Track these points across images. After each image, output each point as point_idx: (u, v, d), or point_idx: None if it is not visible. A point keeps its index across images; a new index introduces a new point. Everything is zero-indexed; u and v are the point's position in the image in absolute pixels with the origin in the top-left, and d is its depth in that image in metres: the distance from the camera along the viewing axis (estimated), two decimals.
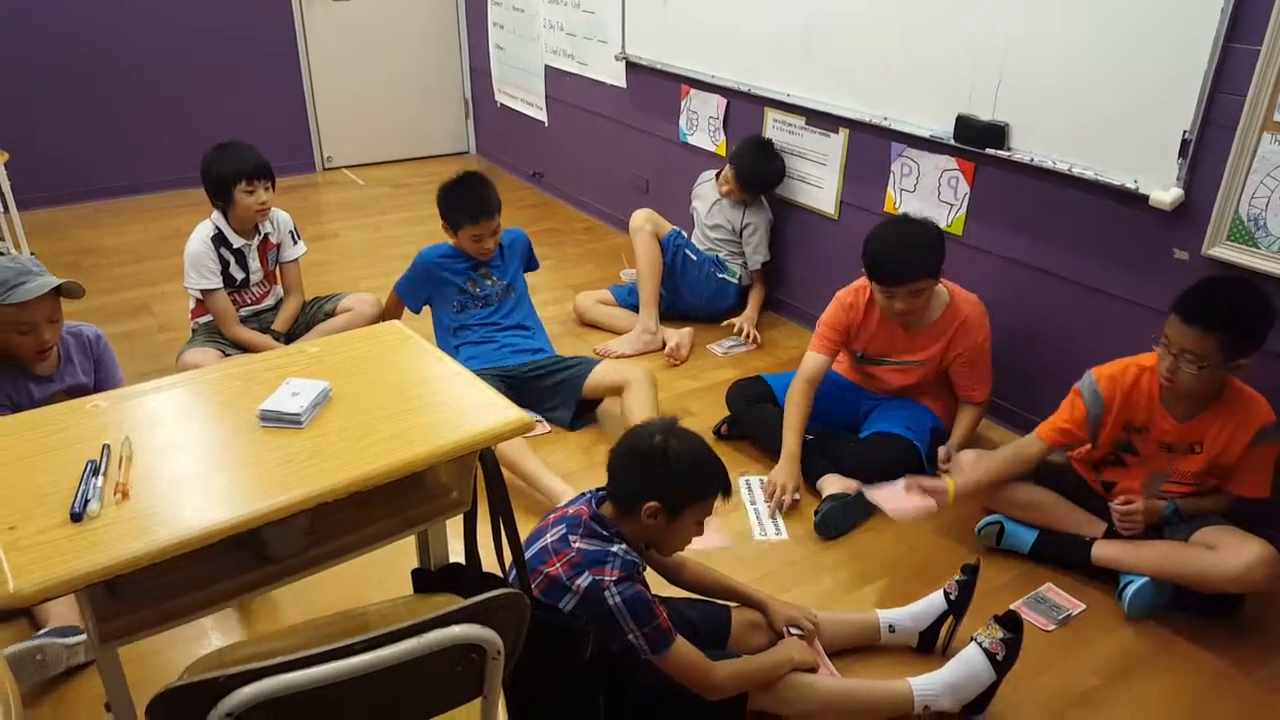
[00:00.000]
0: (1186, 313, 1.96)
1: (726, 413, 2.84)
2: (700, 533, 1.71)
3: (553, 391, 2.85)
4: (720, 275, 3.55)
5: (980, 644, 1.81)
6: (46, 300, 2.08)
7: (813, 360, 2.62)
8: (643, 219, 3.49)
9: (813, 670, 1.81)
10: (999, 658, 1.79)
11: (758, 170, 3.44)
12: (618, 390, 2.76)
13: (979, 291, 2.64)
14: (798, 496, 2.51)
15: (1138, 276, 2.47)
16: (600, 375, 2.81)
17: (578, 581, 1.58)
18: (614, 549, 1.61)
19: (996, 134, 2.64)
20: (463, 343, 2.93)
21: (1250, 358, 1.98)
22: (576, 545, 1.62)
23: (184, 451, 1.31)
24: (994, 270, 2.80)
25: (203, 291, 2.96)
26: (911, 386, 2.66)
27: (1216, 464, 2.12)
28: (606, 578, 1.57)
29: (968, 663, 1.81)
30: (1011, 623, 1.83)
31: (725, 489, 1.70)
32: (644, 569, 1.67)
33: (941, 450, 2.57)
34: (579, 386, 2.82)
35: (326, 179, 5.52)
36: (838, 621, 2.01)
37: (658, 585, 1.89)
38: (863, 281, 2.57)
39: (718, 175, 3.56)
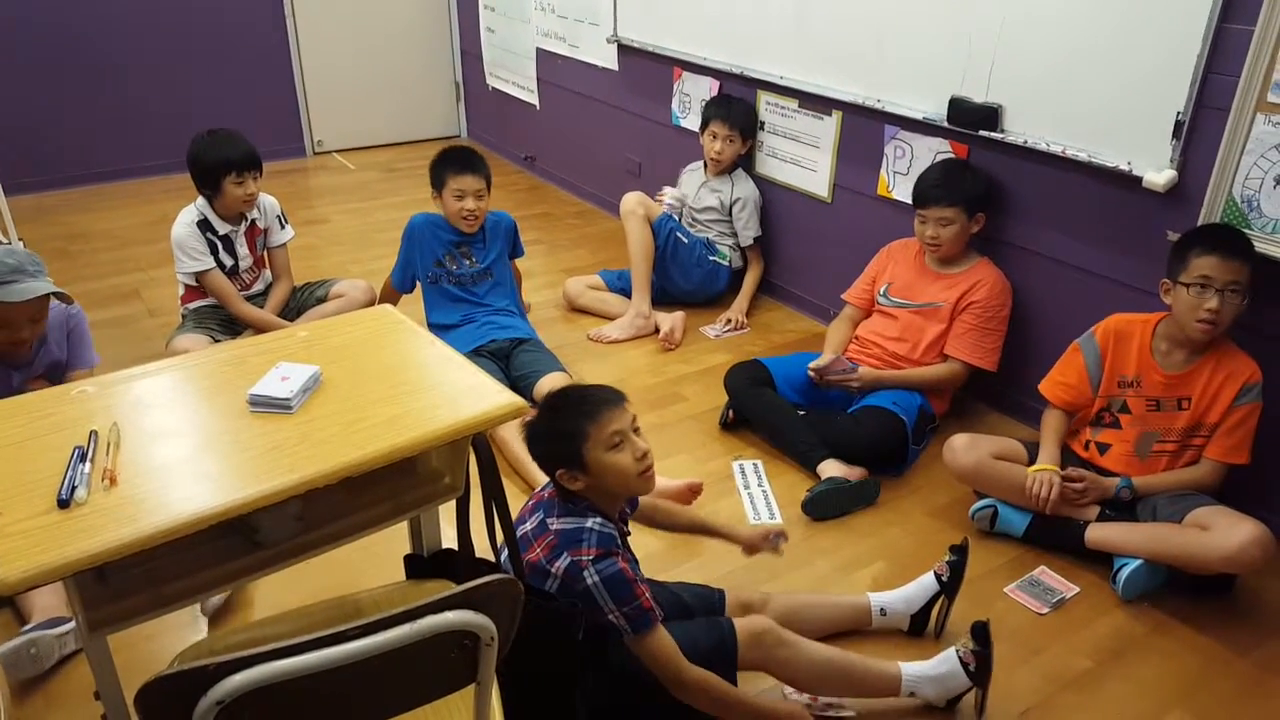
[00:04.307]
0: (1226, 248, 2.05)
1: (721, 396, 2.83)
2: (632, 454, 1.59)
3: (532, 362, 2.82)
4: (711, 258, 3.53)
5: (957, 652, 1.81)
6: (33, 302, 2.05)
7: (847, 309, 2.98)
8: (634, 202, 3.47)
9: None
10: (971, 669, 1.78)
11: (739, 107, 3.47)
12: None
13: None
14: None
15: (1131, 259, 2.47)
16: (540, 390, 2.65)
17: (557, 564, 1.58)
18: (588, 524, 1.60)
19: (990, 116, 2.63)
20: (445, 324, 2.93)
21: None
22: (554, 527, 1.61)
23: (173, 437, 1.30)
24: (986, 253, 2.79)
25: (197, 276, 2.92)
26: (909, 355, 2.73)
27: (1202, 420, 2.16)
28: (584, 557, 1.56)
29: (950, 662, 1.80)
30: (981, 634, 1.79)
31: (597, 407, 1.60)
32: (621, 541, 1.66)
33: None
34: (538, 380, 2.73)
35: (317, 163, 5.48)
36: (829, 605, 2.01)
37: (652, 566, 1.89)
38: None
39: (705, 134, 3.52)
